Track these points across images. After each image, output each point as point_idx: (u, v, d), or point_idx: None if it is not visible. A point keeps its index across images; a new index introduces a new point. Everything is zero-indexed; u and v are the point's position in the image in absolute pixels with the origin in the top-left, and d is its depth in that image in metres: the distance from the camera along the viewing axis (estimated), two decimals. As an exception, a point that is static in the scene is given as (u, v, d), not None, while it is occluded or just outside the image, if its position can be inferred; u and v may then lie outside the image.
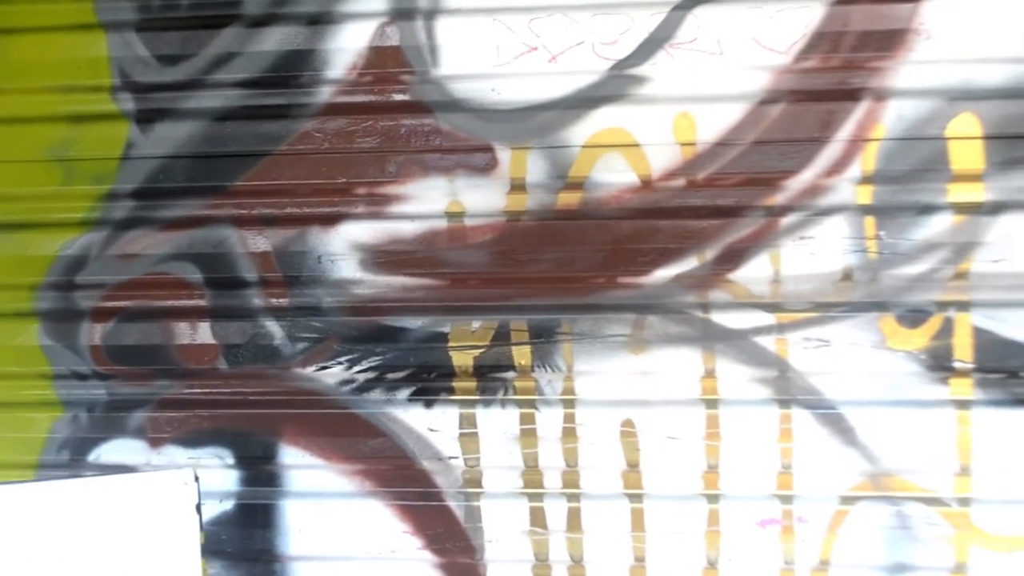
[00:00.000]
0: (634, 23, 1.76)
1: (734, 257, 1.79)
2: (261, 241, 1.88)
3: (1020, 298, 1.73)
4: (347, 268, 1.86)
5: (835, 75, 1.74)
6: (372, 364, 1.88)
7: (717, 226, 1.79)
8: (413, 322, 1.86)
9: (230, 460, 1.93)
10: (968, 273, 1.74)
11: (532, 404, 1.85)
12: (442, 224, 1.84)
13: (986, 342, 1.75)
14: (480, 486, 1.87)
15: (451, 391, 1.87)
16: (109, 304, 1.92)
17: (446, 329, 1.86)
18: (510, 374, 1.85)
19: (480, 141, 1.82)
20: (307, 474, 1.90)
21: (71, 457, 1.96)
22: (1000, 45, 1.69)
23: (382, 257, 1.85)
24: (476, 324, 1.85)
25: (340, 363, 1.89)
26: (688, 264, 1.80)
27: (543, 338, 1.84)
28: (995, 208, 1.73)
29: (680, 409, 1.81)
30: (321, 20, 1.82)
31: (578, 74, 1.79)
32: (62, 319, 1.93)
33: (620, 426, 1.83)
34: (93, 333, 1.93)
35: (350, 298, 1.86)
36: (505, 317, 1.84)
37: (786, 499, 1.81)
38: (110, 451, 1.95)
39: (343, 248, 1.86)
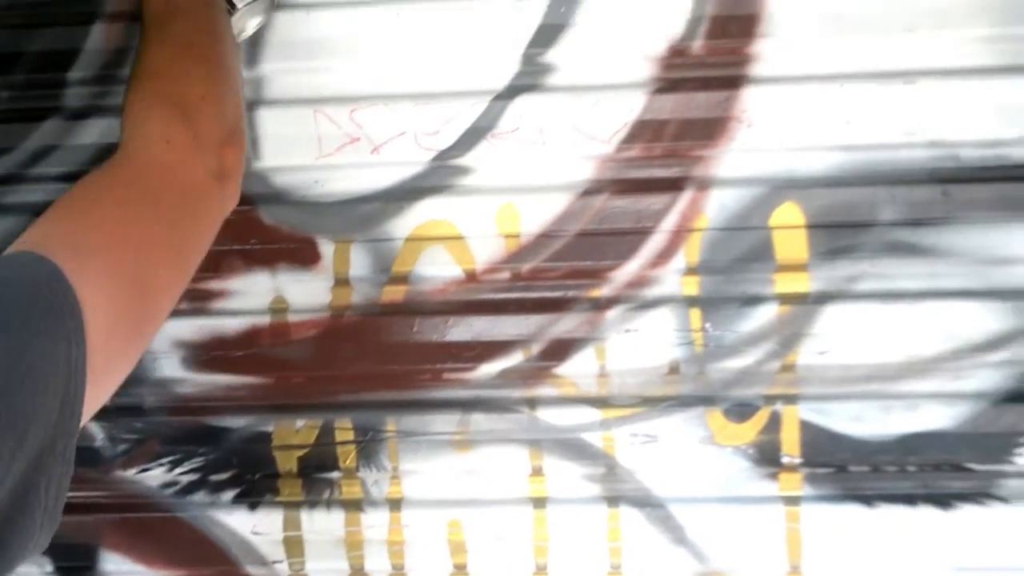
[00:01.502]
0: (456, 113, 1.72)
1: (560, 351, 1.74)
2: (84, 338, 1.82)
3: (846, 391, 1.69)
4: (169, 366, 1.80)
5: (657, 164, 1.70)
6: (195, 465, 1.82)
7: (542, 319, 1.74)
8: (237, 421, 1.80)
9: (49, 568, 1.86)
10: (795, 365, 1.70)
11: (358, 505, 1.79)
12: (265, 320, 1.79)
13: (814, 436, 1.70)
14: (306, 591, 1.82)
15: (276, 492, 1.81)
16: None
17: (270, 428, 1.80)
18: (335, 474, 1.80)
19: (303, 234, 1.78)
20: (129, 581, 1.84)
21: None
22: (820, 133, 1.66)
23: (204, 354, 1.80)
24: (300, 423, 1.80)
25: (162, 465, 1.83)
26: (514, 359, 1.75)
27: (368, 437, 1.79)
28: (820, 298, 1.69)
29: (508, 508, 1.76)
30: (140, 112, 1.77)
31: (401, 165, 1.75)
32: None
33: (447, 527, 1.78)
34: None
35: (172, 397, 1.81)
36: (330, 416, 1.79)
37: (617, 600, 1.75)
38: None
39: (165, 346, 1.80)
